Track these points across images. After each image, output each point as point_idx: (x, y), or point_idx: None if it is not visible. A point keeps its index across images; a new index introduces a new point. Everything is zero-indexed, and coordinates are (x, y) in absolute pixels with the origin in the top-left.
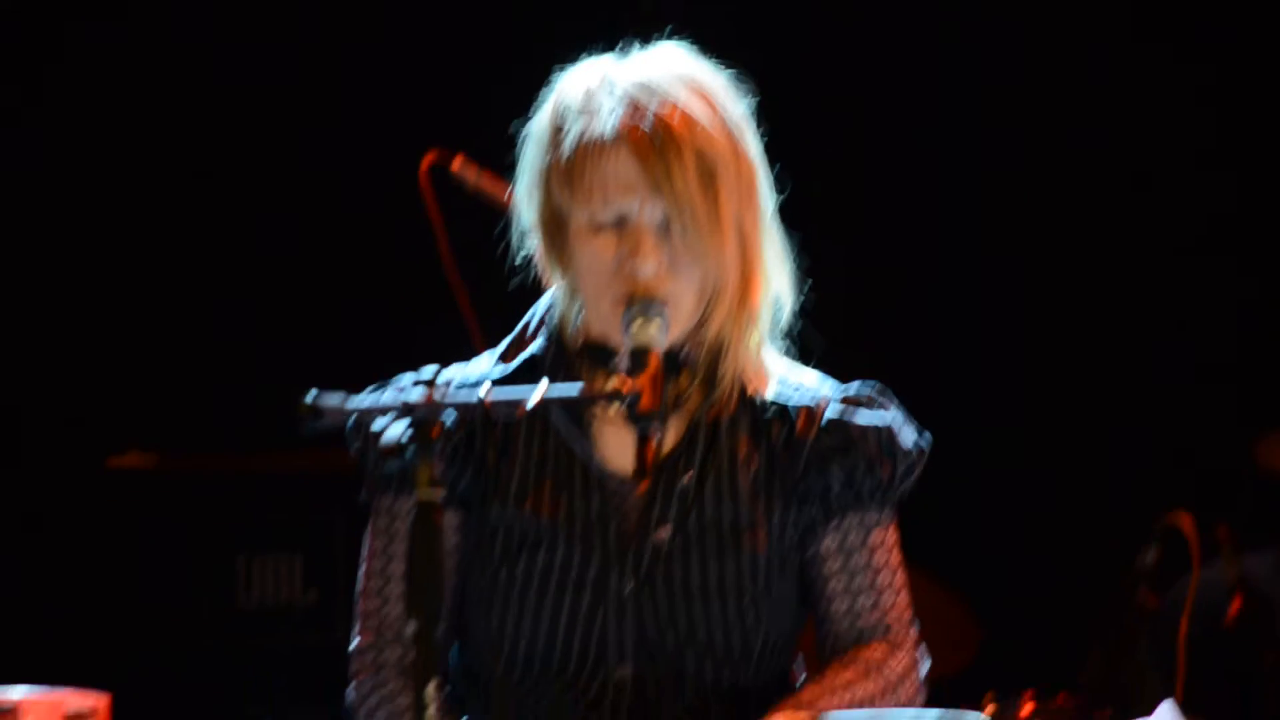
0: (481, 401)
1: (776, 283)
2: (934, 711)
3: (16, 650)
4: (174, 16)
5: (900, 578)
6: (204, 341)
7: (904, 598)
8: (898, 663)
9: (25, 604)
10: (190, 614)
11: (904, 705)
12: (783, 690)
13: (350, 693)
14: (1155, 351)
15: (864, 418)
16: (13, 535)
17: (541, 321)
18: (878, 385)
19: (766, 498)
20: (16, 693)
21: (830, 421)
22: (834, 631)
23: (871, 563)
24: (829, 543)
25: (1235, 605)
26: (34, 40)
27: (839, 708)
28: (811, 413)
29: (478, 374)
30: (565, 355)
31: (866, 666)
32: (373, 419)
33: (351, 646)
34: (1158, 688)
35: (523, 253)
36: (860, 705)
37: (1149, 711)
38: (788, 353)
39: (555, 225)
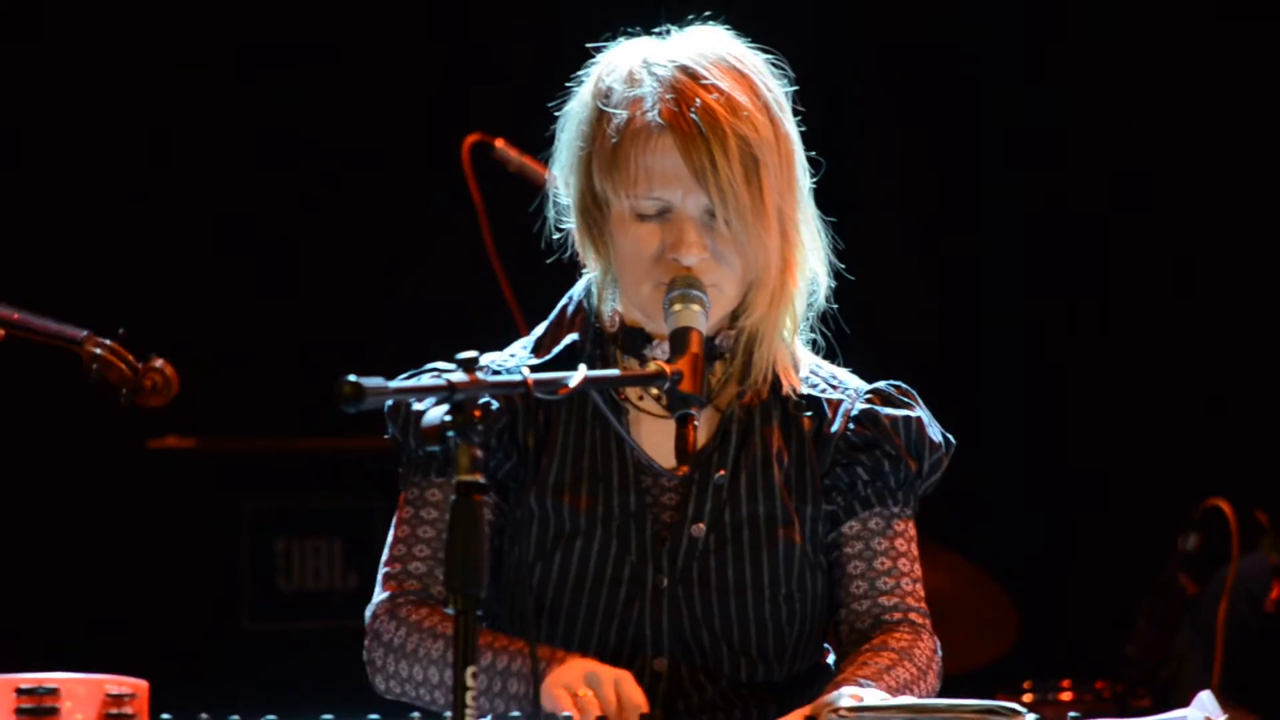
0: (524, 382)
1: (811, 267)
2: (973, 700)
3: (56, 635)
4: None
5: (918, 569)
6: (244, 325)
7: (921, 588)
8: (923, 649)
9: (64, 588)
10: (230, 598)
11: (932, 689)
12: (815, 682)
13: (369, 644)
14: (1195, 339)
15: (892, 412)
16: (53, 519)
17: (580, 308)
18: (904, 384)
19: (798, 493)
20: (57, 678)
21: (858, 416)
22: (853, 613)
23: (892, 548)
24: (850, 529)
25: (1275, 591)
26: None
27: (887, 692)
28: (840, 407)
29: (515, 362)
30: (603, 342)
31: (898, 651)
32: (413, 401)
33: (371, 604)
34: (1197, 673)
35: (559, 233)
36: (901, 689)
37: (1188, 697)
38: (819, 344)
39: (594, 209)
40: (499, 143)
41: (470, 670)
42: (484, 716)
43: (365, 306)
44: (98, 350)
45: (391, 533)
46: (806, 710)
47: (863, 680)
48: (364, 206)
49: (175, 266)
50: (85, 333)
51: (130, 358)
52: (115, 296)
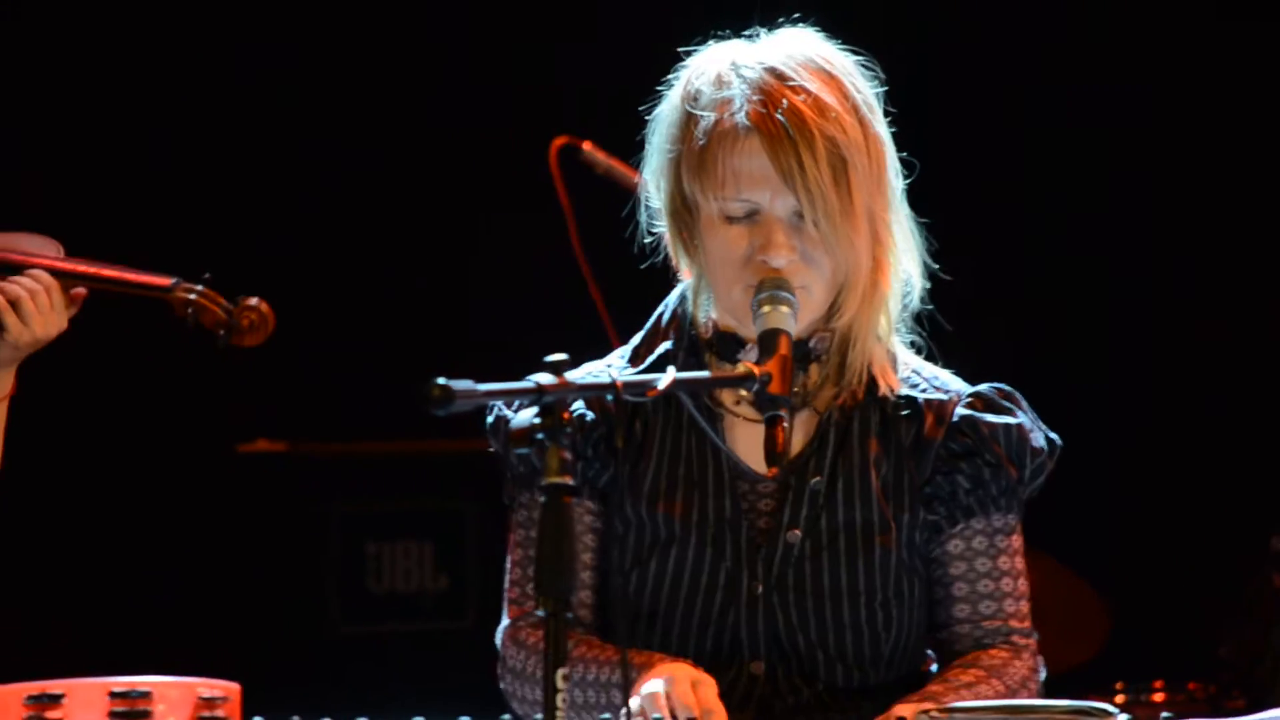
0: (614, 383)
1: (905, 268)
2: (1064, 701)
3: (149, 638)
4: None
5: (1023, 584)
6: (333, 329)
7: (1026, 604)
8: (1019, 668)
9: (156, 592)
10: (322, 601)
11: None
12: (914, 688)
13: (499, 670)
14: None
15: (993, 418)
16: (145, 524)
17: (675, 315)
18: (1006, 386)
19: (895, 500)
20: (149, 681)
21: (958, 422)
22: (954, 635)
23: (995, 568)
24: (953, 546)
25: None
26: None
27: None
28: (940, 411)
29: (612, 371)
30: (698, 349)
31: (988, 669)
32: (503, 405)
33: (499, 628)
34: None
35: (650, 237)
36: None
37: None
38: (916, 344)
39: (684, 212)
40: (587, 145)
41: (561, 672)
42: None
43: (454, 310)
44: (190, 295)
45: (508, 556)
46: (894, 713)
47: (928, 696)
48: (454, 209)
49: (264, 270)
50: (172, 279)
51: (222, 300)
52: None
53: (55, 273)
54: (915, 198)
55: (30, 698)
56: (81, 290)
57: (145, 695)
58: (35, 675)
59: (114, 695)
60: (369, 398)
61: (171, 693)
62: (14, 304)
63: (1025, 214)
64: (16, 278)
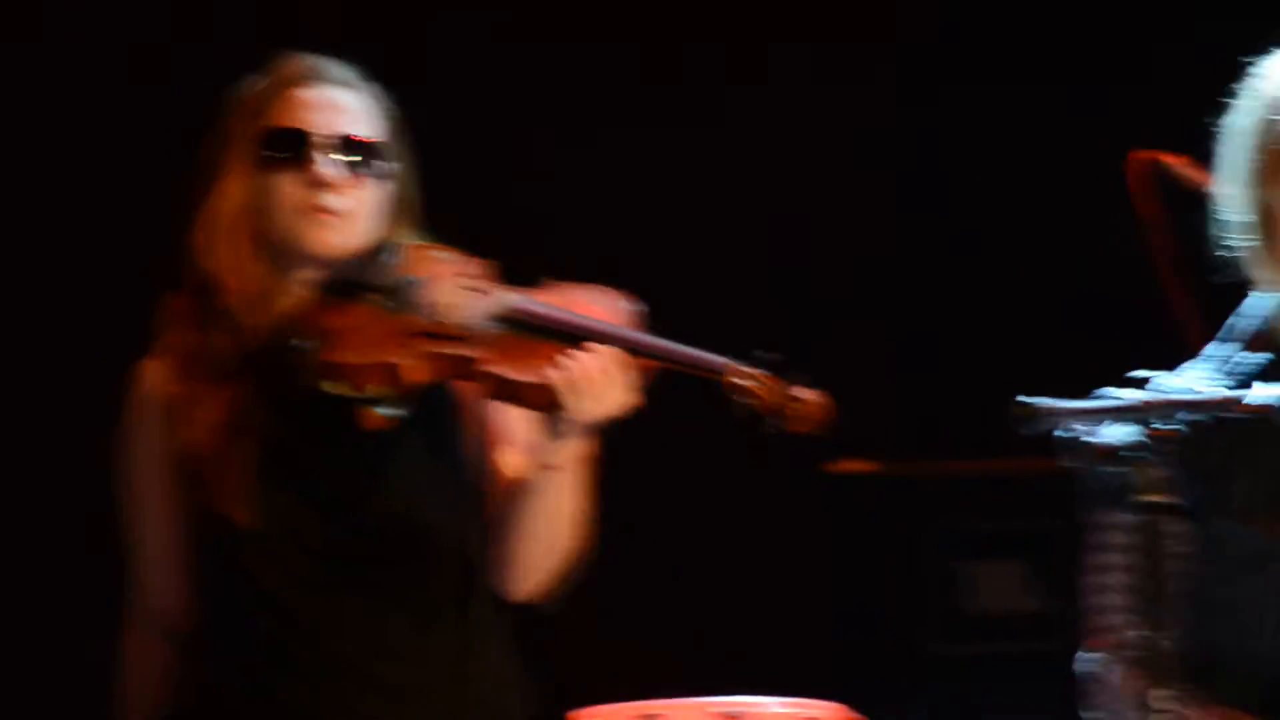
0: (1203, 403)
1: None
2: None
3: (744, 655)
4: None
5: None
6: (921, 347)
7: None
8: None
9: (752, 610)
10: (915, 621)
11: None
12: None
13: (1088, 696)
14: None
15: None
16: (733, 545)
17: (1264, 329)
18: None
19: None
20: (750, 701)
21: None
22: None
23: None
24: None
25: None
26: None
27: None
28: None
29: (1195, 385)
30: None
31: None
32: (1089, 424)
33: (1082, 655)
34: None
35: (1224, 250)
36: None
37: None
38: None
39: (1270, 226)
40: (1169, 159)
41: (1158, 694)
42: None
43: (1037, 328)
44: (741, 381)
45: (1091, 579)
46: None
47: None
48: (1037, 226)
49: (829, 297)
50: (728, 360)
51: (775, 384)
52: (756, 322)
53: (621, 346)
54: None
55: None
56: (650, 364)
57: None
58: (635, 695)
59: (715, 714)
60: (958, 415)
61: (773, 713)
62: (575, 383)
63: None
64: (579, 353)
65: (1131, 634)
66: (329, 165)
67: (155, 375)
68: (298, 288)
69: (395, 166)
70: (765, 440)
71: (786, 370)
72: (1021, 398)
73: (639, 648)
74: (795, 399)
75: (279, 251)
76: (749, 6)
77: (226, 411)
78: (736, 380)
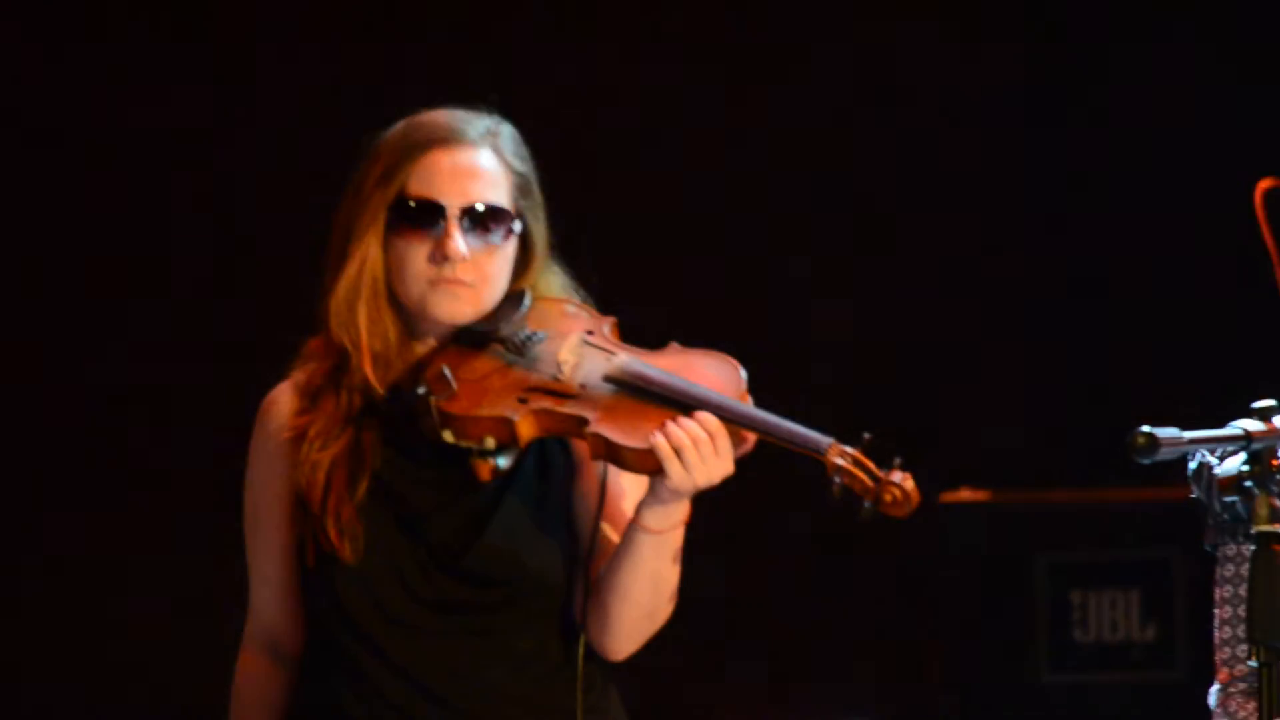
0: None
1: None
2: None
3: (846, 681)
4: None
5: None
6: (1038, 376)
7: None
8: None
9: (857, 638)
10: (1027, 650)
11: None
12: None
13: None
14: None
15: None
16: (847, 573)
17: None
18: None
19: None
20: None
21: None
22: None
23: None
24: None
25: None
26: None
27: None
28: None
29: None
30: None
31: None
32: (1209, 454)
33: (1212, 690)
34: None
35: None
36: None
37: None
38: None
39: None
40: None
41: None
42: None
43: (1153, 353)
44: (840, 461)
45: (1215, 611)
46: None
47: None
48: (1169, 257)
49: (949, 325)
50: (830, 440)
51: (873, 467)
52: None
53: (728, 419)
54: None
55: None
56: (750, 436)
57: None
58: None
59: None
60: (1071, 444)
61: None
62: (678, 451)
63: None
64: (687, 421)
65: (1251, 663)
66: (462, 241)
67: (284, 407)
68: (428, 344)
69: (528, 223)
70: (859, 520)
71: (886, 452)
72: (1144, 427)
73: (750, 672)
74: (892, 484)
75: (412, 314)
76: None
77: (345, 450)
78: (837, 461)
